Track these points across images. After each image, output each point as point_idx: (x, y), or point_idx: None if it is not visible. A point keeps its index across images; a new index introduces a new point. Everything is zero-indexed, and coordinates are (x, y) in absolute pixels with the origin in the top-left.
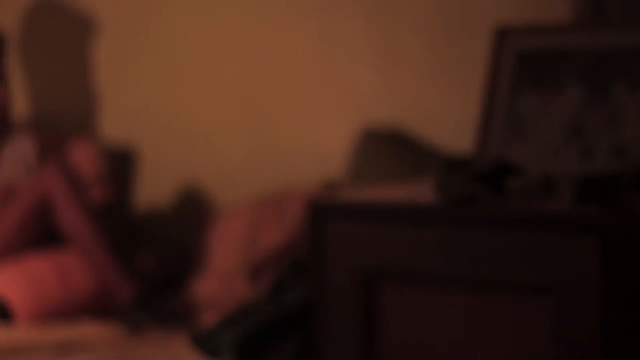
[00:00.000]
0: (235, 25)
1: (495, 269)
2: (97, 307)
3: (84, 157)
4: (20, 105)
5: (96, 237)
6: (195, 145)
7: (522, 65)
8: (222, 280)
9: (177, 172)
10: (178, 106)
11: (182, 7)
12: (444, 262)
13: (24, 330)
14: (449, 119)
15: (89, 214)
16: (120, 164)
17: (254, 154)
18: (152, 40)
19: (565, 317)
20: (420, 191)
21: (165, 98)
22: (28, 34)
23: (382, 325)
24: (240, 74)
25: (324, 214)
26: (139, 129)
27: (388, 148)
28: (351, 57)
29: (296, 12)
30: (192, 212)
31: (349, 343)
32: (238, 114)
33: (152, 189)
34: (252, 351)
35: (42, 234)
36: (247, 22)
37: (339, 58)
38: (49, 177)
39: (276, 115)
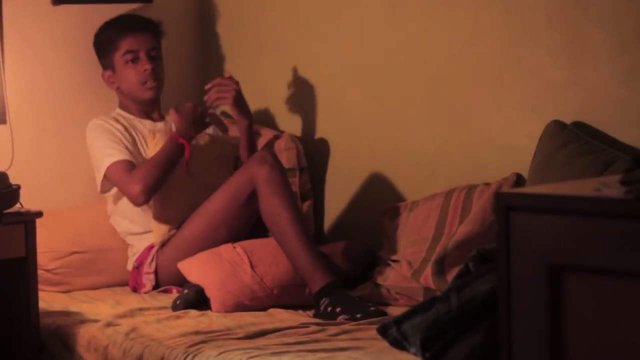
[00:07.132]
0: (425, 23)
1: None
2: (288, 296)
3: (282, 148)
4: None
5: (295, 226)
6: (385, 138)
7: None
8: (409, 270)
9: (368, 164)
10: (370, 99)
11: (373, 4)
12: (629, 255)
13: (219, 316)
14: (637, 115)
15: (292, 202)
16: (314, 156)
17: (443, 146)
18: (345, 38)
19: None
20: (606, 185)
21: (357, 91)
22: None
23: (568, 319)
24: (431, 70)
25: (509, 205)
26: (332, 122)
27: (575, 142)
28: (539, 52)
29: (485, 9)
30: (382, 203)
31: (535, 336)
32: (428, 108)
33: (343, 180)
34: (437, 342)
35: (247, 220)
36: (437, 19)
37: (526, 53)
38: (256, 163)
39: (466, 109)
